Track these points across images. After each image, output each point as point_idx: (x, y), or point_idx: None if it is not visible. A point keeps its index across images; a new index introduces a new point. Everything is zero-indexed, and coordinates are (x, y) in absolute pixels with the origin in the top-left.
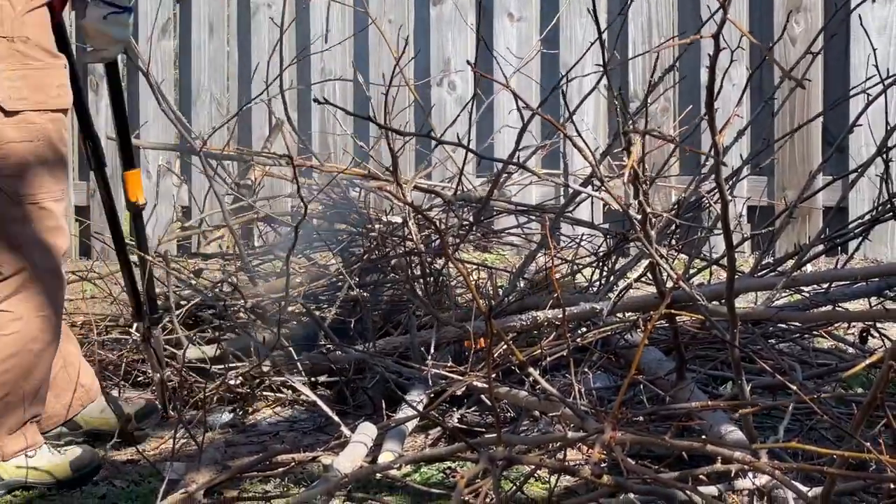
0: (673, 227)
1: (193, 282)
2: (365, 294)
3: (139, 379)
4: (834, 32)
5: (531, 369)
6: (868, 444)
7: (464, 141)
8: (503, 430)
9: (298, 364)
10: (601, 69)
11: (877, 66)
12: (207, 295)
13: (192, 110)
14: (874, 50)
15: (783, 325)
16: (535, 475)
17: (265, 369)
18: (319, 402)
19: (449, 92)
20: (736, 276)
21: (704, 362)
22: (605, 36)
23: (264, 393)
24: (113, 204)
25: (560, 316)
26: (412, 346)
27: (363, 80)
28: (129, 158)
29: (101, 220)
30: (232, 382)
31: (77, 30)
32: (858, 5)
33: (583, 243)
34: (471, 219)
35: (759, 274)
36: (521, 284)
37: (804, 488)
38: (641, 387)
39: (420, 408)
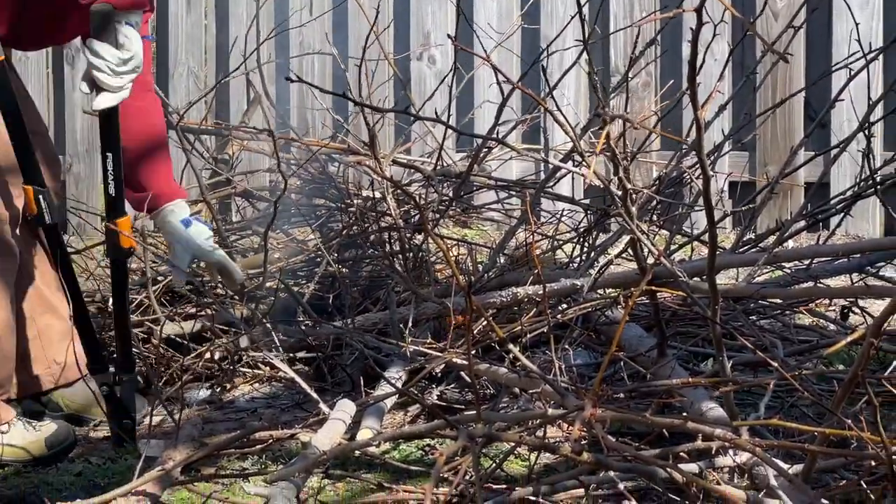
0: (654, 202)
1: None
2: (344, 270)
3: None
4: (816, 7)
5: (511, 346)
6: (849, 421)
7: (443, 116)
8: (483, 407)
9: (276, 340)
10: (582, 44)
11: (859, 41)
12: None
13: (170, 84)
14: (857, 24)
15: (764, 302)
16: (515, 453)
17: (244, 345)
18: (298, 379)
19: (429, 66)
20: (717, 253)
21: (685, 339)
22: (585, 10)
23: (242, 369)
24: (70, 263)
25: (540, 292)
26: (391, 323)
27: (339, 53)
28: (122, 205)
29: (78, 193)
30: (209, 357)
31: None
32: None
33: (563, 219)
34: (450, 194)
35: (741, 250)
36: (502, 260)
37: (785, 466)
38: (622, 364)
39: (399, 385)
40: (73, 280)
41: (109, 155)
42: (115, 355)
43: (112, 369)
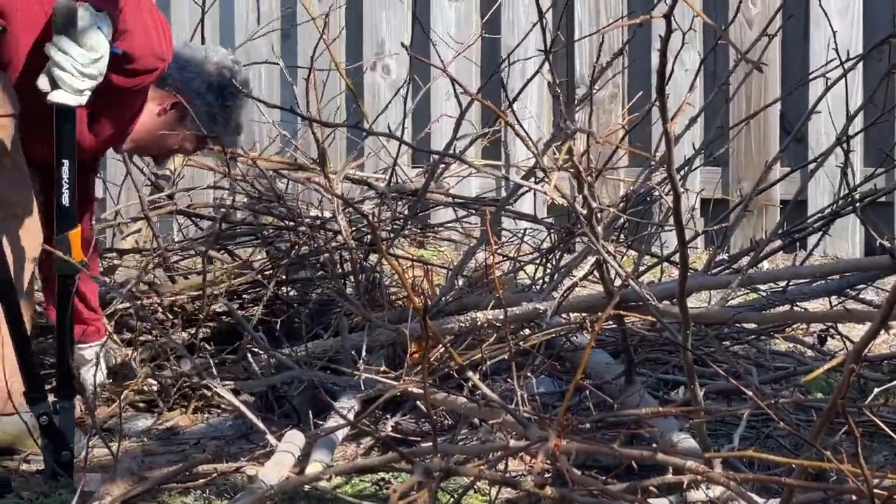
0: (621, 221)
1: (107, 279)
2: (292, 293)
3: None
4: (791, 14)
5: (470, 374)
6: (828, 452)
7: (398, 130)
8: (440, 438)
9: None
10: (544, 53)
11: (836, 50)
12: (121, 293)
13: None
14: (834, 33)
15: (738, 327)
16: (475, 487)
17: (186, 369)
18: (244, 409)
19: (383, 76)
20: (688, 274)
21: (655, 365)
22: (548, 17)
23: (186, 398)
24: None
25: (501, 317)
26: (343, 350)
27: (286, 63)
28: (75, 216)
29: None
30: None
31: None
32: None
33: (525, 239)
34: (406, 212)
35: (713, 271)
36: (460, 283)
37: (760, 500)
38: (588, 392)
39: (351, 415)
40: (13, 300)
41: (65, 162)
42: (53, 380)
43: (51, 398)
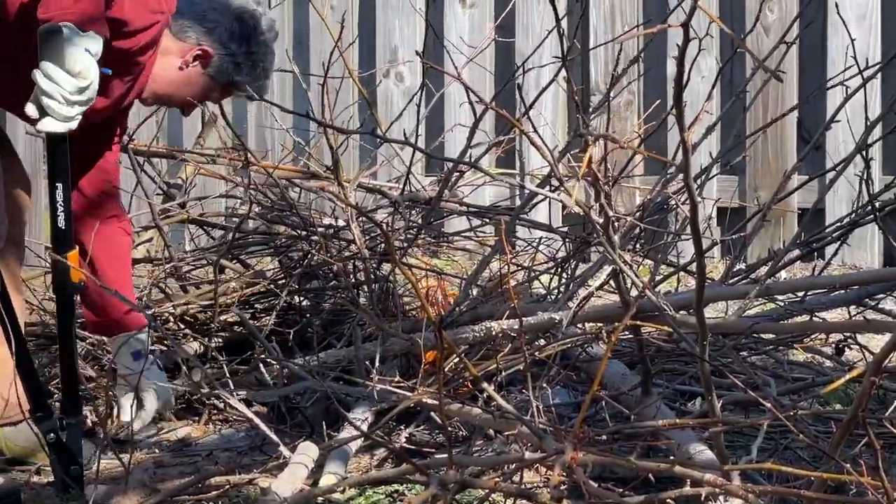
0: (637, 230)
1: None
2: (305, 302)
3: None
4: (810, 21)
5: (485, 384)
6: (848, 464)
7: (412, 137)
8: (455, 450)
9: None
10: (560, 60)
11: (855, 58)
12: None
13: None
14: (853, 40)
15: (756, 337)
16: (490, 499)
17: (197, 379)
18: (256, 420)
19: (396, 84)
20: (705, 284)
21: (672, 376)
22: (564, 24)
23: (197, 409)
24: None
25: (516, 327)
26: (356, 360)
27: (299, 71)
28: (71, 238)
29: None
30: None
31: None
32: None
33: (540, 248)
34: (419, 221)
35: (731, 281)
36: (474, 292)
37: None
38: (604, 403)
39: (365, 426)
40: (13, 317)
41: (59, 185)
42: (59, 397)
43: (57, 413)
